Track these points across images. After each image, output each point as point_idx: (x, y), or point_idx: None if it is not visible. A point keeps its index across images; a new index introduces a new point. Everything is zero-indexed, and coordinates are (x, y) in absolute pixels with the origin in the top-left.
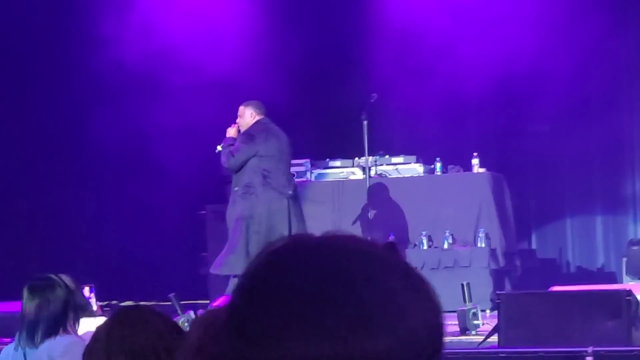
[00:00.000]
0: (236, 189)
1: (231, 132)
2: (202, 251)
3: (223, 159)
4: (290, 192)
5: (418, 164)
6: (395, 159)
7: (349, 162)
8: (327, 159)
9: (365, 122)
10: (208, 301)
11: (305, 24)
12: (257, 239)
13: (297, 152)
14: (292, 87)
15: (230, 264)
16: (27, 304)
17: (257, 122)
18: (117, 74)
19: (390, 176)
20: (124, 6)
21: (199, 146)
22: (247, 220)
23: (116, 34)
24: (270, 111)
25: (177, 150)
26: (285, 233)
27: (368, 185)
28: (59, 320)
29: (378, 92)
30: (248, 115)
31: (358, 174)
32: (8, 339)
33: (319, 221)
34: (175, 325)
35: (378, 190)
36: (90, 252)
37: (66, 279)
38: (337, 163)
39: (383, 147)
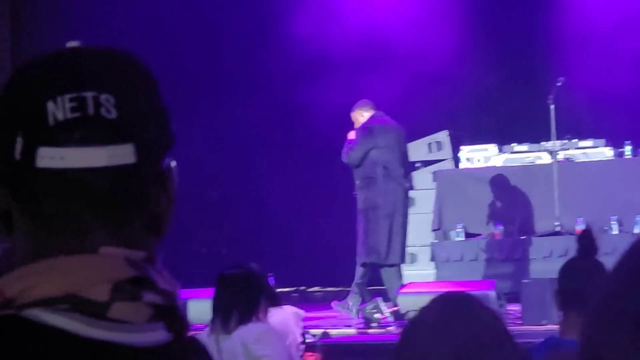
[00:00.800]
0: (357, 182)
1: (352, 135)
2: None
3: (344, 154)
4: (407, 185)
5: (607, 148)
6: (583, 143)
7: (535, 146)
8: (514, 144)
9: (552, 106)
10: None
11: (490, 9)
12: (386, 224)
13: (484, 137)
14: (477, 70)
15: (370, 253)
16: (221, 292)
17: (372, 117)
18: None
19: (578, 160)
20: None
21: None
22: (369, 211)
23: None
24: (455, 95)
25: None
26: (402, 224)
27: (555, 170)
28: (252, 308)
29: (565, 75)
30: (359, 116)
31: (545, 159)
32: (202, 326)
33: (507, 206)
34: (495, 313)
35: (566, 175)
36: (274, 240)
37: (256, 267)
38: (524, 147)
39: (570, 130)
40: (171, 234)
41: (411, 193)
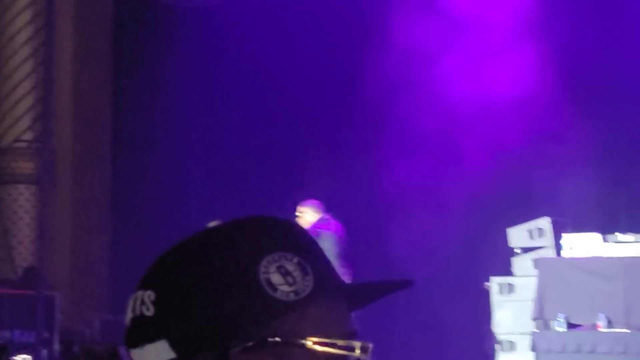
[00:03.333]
0: None
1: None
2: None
3: None
4: None
5: None
6: None
7: None
8: (618, 233)
9: None
10: None
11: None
12: None
13: (588, 225)
14: (582, 153)
15: None
16: None
17: (320, 221)
18: None
19: None
20: None
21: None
22: None
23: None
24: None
25: None
26: None
27: None
28: None
29: None
30: (309, 216)
31: None
32: None
33: (611, 297)
34: None
35: None
36: None
37: None
38: (630, 237)
39: None
40: None
41: (511, 279)
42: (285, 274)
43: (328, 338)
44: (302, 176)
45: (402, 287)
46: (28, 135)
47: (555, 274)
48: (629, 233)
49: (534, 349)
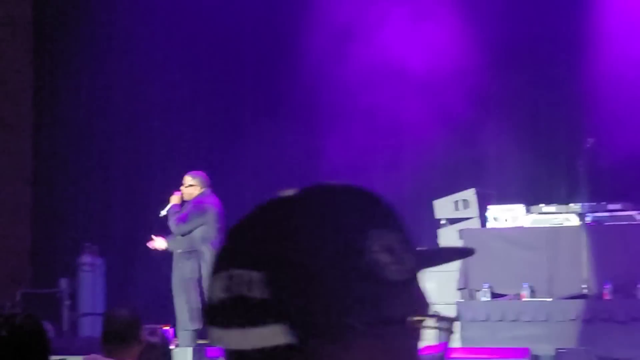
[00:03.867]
0: (179, 251)
1: (175, 200)
2: None
3: (174, 223)
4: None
5: (636, 212)
6: (612, 206)
7: (564, 207)
8: (542, 205)
9: (581, 168)
10: None
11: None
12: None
13: (512, 197)
14: (507, 129)
15: None
16: None
17: (204, 194)
18: None
19: (607, 223)
20: None
21: None
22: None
23: None
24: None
25: None
26: None
27: (584, 232)
28: None
29: (595, 135)
30: (194, 189)
31: (573, 221)
32: None
33: (534, 267)
34: None
35: (594, 238)
36: None
37: None
38: (552, 209)
39: (599, 192)
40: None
41: None
42: (391, 251)
43: (426, 313)
44: (234, 152)
45: (464, 254)
46: None
47: (480, 245)
48: (553, 204)
49: (458, 318)
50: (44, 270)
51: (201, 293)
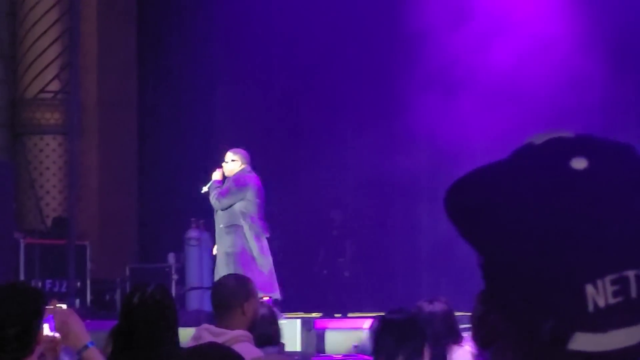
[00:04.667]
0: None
1: (217, 175)
2: None
3: (217, 196)
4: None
5: None
6: None
7: None
8: None
9: None
10: None
11: None
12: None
13: None
14: None
15: None
16: (384, 336)
17: (245, 170)
18: None
19: None
20: None
21: None
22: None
23: None
24: None
25: None
26: None
27: None
28: (417, 355)
29: None
30: (235, 165)
31: None
32: (338, 356)
33: None
34: None
35: None
36: (397, 262)
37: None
38: None
39: None
40: (294, 256)
41: None
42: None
43: None
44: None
45: None
46: (53, 86)
47: None
48: None
49: None
50: (151, 245)
51: (244, 264)
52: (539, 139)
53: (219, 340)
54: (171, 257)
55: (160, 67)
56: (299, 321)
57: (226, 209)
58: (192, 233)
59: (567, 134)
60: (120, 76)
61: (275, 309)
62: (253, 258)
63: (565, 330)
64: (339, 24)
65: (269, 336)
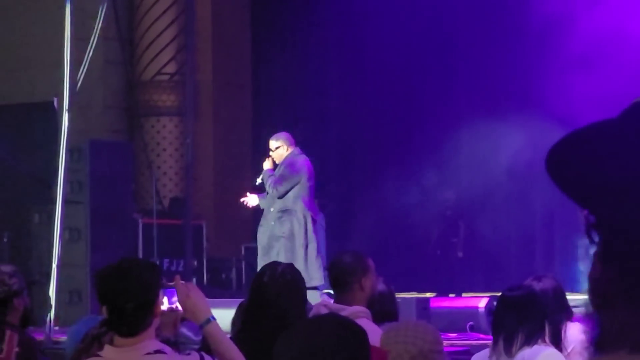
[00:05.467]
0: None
1: (268, 165)
2: None
3: (273, 185)
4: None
5: None
6: None
7: None
8: None
9: None
10: None
11: None
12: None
13: None
14: None
15: None
16: (504, 313)
17: (295, 153)
18: None
19: None
20: None
21: None
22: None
23: None
24: None
25: None
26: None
27: None
28: (537, 331)
29: None
30: (282, 150)
31: None
32: (453, 334)
33: None
34: None
35: None
36: (510, 243)
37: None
38: None
39: None
40: (407, 237)
41: None
42: None
43: None
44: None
45: None
46: (170, 68)
47: None
48: None
49: None
50: None
51: (293, 250)
52: None
53: None
54: None
55: (274, 48)
56: (414, 300)
57: (284, 196)
58: None
59: None
60: (235, 57)
61: (391, 286)
62: (303, 243)
63: None
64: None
65: (387, 312)
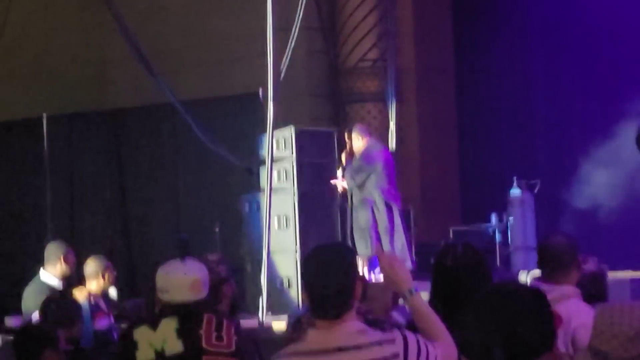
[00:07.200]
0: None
1: (344, 155)
2: None
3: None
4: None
5: None
6: None
7: None
8: None
9: None
10: None
11: None
12: None
13: None
14: None
15: None
16: None
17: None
18: None
19: None
20: None
21: None
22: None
23: None
24: None
25: None
26: None
27: None
28: None
29: None
30: (357, 140)
31: None
32: None
33: None
34: None
35: None
36: None
37: None
38: None
39: None
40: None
41: None
42: None
43: None
44: None
45: None
46: (372, 54)
47: None
48: None
49: None
50: (474, 206)
51: (376, 239)
52: None
53: (548, 297)
54: (494, 218)
55: (477, 31)
56: (627, 280)
57: (361, 185)
58: (515, 193)
59: None
60: (437, 42)
61: (603, 265)
62: (385, 231)
63: None
64: None
65: (597, 293)
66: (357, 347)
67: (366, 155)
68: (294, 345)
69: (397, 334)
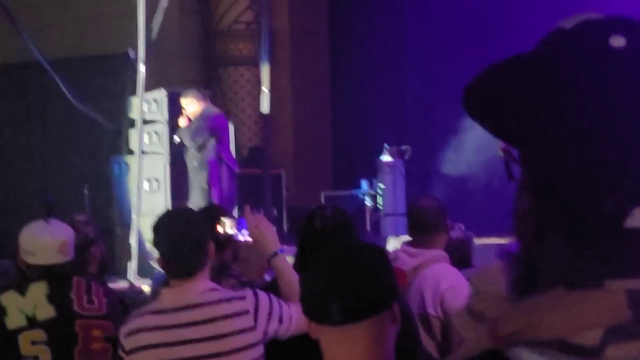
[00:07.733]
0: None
1: (182, 122)
2: None
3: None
4: None
5: None
6: None
7: None
8: None
9: None
10: None
11: None
12: None
13: None
14: None
15: None
16: None
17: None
18: None
19: None
20: None
21: None
22: None
23: None
24: None
25: None
26: None
27: None
28: None
29: None
30: (192, 104)
31: None
32: None
33: None
34: None
35: None
36: None
37: None
38: None
39: None
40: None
41: None
42: None
43: None
44: None
45: None
46: (246, 17)
47: None
48: None
49: None
50: (345, 172)
51: (222, 198)
52: (568, 23)
53: (417, 260)
54: (365, 184)
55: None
56: (493, 245)
57: (201, 146)
58: (385, 158)
59: (596, 15)
60: (311, 5)
61: (469, 233)
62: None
63: (625, 205)
64: None
65: (462, 258)
66: (205, 304)
67: (206, 117)
68: (148, 305)
69: (248, 292)
